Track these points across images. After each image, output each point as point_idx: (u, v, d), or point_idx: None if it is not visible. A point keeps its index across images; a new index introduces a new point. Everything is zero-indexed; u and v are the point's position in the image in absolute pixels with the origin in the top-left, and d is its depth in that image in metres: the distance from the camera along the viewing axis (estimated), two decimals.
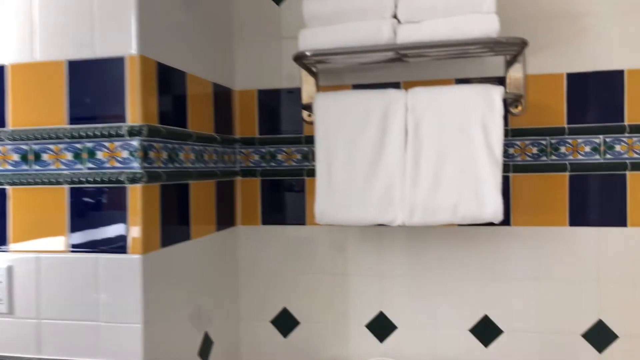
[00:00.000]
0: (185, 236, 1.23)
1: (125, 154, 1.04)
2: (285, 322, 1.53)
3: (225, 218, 1.46)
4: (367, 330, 1.48)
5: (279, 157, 1.52)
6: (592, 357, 1.37)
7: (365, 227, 1.47)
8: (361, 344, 1.48)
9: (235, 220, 1.53)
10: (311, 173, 1.48)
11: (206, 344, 1.32)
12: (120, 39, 1.04)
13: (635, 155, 1.34)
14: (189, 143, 1.24)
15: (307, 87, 1.50)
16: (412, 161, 1.26)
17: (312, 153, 1.46)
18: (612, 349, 1.36)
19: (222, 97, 1.47)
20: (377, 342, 1.47)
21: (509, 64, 1.39)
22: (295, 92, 1.51)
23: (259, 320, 1.54)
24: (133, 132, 1.03)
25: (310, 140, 1.46)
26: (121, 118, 1.04)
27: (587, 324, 1.37)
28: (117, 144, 1.05)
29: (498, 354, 1.41)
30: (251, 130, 1.54)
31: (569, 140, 1.37)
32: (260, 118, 1.54)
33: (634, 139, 1.34)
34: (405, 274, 1.46)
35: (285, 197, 1.53)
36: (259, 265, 1.54)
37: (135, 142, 1.04)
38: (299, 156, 1.51)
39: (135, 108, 1.04)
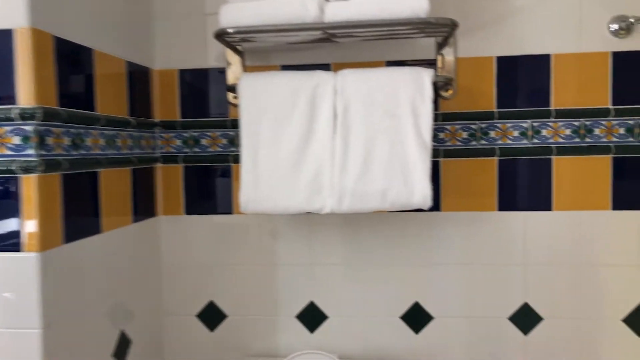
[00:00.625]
0: (94, 229, 1.11)
1: (16, 140, 0.92)
2: (211, 316, 1.45)
3: (143, 208, 1.35)
4: (297, 321, 1.43)
5: (203, 142, 1.42)
6: (518, 339, 1.39)
7: (295, 215, 1.41)
8: (291, 336, 1.43)
9: (155, 211, 1.43)
10: (238, 159, 1.39)
11: (122, 344, 1.22)
12: (7, 9, 0.91)
13: (561, 140, 1.34)
14: (97, 127, 1.12)
15: (233, 67, 1.41)
16: (341, 146, 1.20)
17: (239, 138, 1.38)
18: (537, 330, 1.38)
19: (139, 77, 1.34)
20: (308, 333, 1.43)
21: (440, 46, 1.36)
22: (223, 73, 1.42)
23: (184, 315, 1.45)
24: (25, 116, 0.91)
25: (236, 124, 1.37)
26: (11, 100, 0.92)
27: (514, 307, 1.38)
28: (6, 129, 0.92)
29: (428, 341, 1.40)
30: (172, 113, 1.43)
31: (499, 125, 1.36)
32: (183, 100, 1.43)
33: (559, 123, 1.34)
34: (336, 262, 1.41)
35: (211, 185, 1.44)
36: (183, 257, 1.45)
37: (29, 127, 0.92)
38: (224, 141, 1.42)
39: (27, 88, 0.91)
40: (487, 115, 1.36)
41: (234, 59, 1.40)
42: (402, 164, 1.19)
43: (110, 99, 1.19)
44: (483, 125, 1.36)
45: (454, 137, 1.37)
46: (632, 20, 1.29)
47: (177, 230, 1.44)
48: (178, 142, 1.43)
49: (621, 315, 1.36)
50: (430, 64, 1.35)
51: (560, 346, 1.37)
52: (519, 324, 1.38)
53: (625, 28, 1.31)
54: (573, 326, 1.36)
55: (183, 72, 1.43)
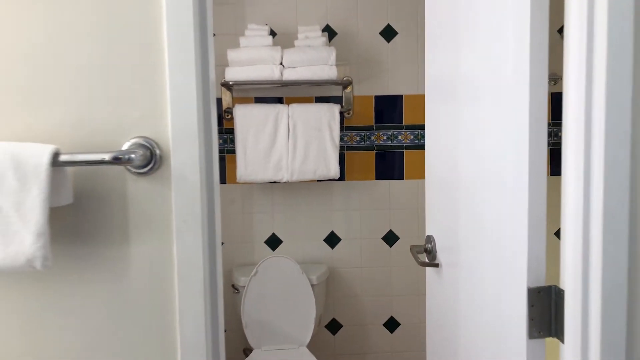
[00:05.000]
0: None
1: None
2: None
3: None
4: (265, 245, 2.41)
5: None
6: (386, 250, 2.45)
7: (265, 183, 2.37)
8: (261, 253, 2.41)
9: None
10: (231, 151, 2.33)
11: None
12: None
13: (408, 141, 2.40)
14: None
15: (225, 97, 2.33)
16: (292, 146, 2.19)
17: (230, 139, 2.31)
18: (396, 245, 2.45)
19: None
20: (271, 251, 2.41)
21: (344, 88, 2.36)
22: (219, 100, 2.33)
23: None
24: None
25: (230, 131, 2.30)
26: None
27: (384, 232, 2.45)
28: None
29: (339, 253, 2.44)
30: None
31: (376, 133, 2.40)
32: None
33: (407, 132, 2.40)
34: (286, 210, 2.40)
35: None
36: None
37: None
38: (220, 140, 2.35)
39: None
40: (369, 128, 2.39)
41: (227, 93, 2.32)
42: (324, 155, 2.19)
43: None
44: (367, 133, 2.40)
45: (352, 139, 2.39)
46: None
47: None
48: None
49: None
50: (338, 99, 2.36)
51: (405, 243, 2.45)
52: (387, 241, 2.45)
53: None
54: (415, 238, 2.45)
55: None
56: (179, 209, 0.85)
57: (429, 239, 1.48)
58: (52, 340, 0.86)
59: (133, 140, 0.83)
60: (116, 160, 0.79)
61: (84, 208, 0.84)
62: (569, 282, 0.89)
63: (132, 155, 0.80)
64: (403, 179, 2.41)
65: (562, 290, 0.91)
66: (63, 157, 0.78)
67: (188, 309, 0.86)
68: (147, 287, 0.86)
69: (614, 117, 0.81)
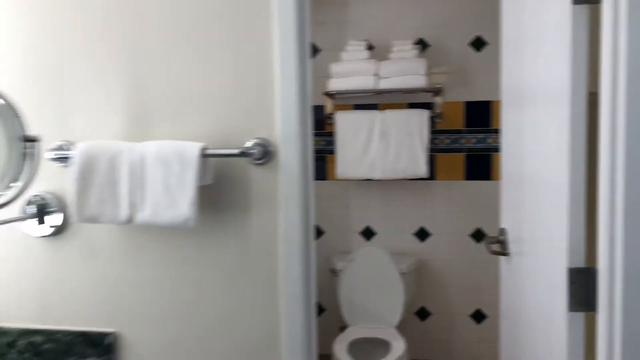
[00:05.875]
0: None
1: None
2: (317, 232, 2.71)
3: None
4: (360, 236, 2.69)
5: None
6: (473, 247, 2.59)
7: (361, 181, 2.65)
8: (356, 242, 2.69)
9: None
10: (331, 152, 2.64)
11: None
12: None
13: (496, 145, 2.53)
14: None
15: (328, 105, 2.65)
16: (384, 147, 2.44)
17: (331, 141, 2.62)
18: (483, 242, 2.58)
19: None
20: (366, 241, 2.68)
21: (435, 95, 2.56)
22: (321, 107, 2.66)
23: None
24: None
25: (330, 134, 2.62)
26: None
27: (472, 229, 2.59)
28: None
29: (429, 247, 2.63)
30: None
31: (465, 136, 2.56)
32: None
33: (495, 136, 2.53)
34: (380, 205, 2.65)
35: (320, 164, 2.69)
36: None
37: None
38: (323, 142, 2.67)
39: None
40: (459, 131, 2.56)
41: (329, 100, 2.64)
42: (413, 156, 2.41)
43: None
44: (457, 136, 2.56)
45: (442, 142, 2.58)
46: None
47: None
48: None
49: None
50: (428, 105, 2.56)
51: None
52: (474, 238, 2.59)
53: None
54: None
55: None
56: (283, 190, 1.16)
57: (502, 231, 1.65)
58: (195, 276, 1.23)
59: (254, 141, 1.15)
60: (242, 154, 1.12)
61: (220, 187, 1.19)
62: (601, 264, 1.05)
63: (254, 151, 1.13)
64: (490, 179, 2.55)
65: (596, 270, 1.07)
66: (208, 151, 1.12)
67: (288, 261, 1.17)
68: (261, 244, 1.18)
69: (634, 126, 0.96)
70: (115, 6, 1.21)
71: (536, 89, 1.30)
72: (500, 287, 1.72)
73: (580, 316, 1.12)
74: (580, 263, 1.10)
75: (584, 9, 1.06)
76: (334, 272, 2.55)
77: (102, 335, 1.28)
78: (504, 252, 1.61)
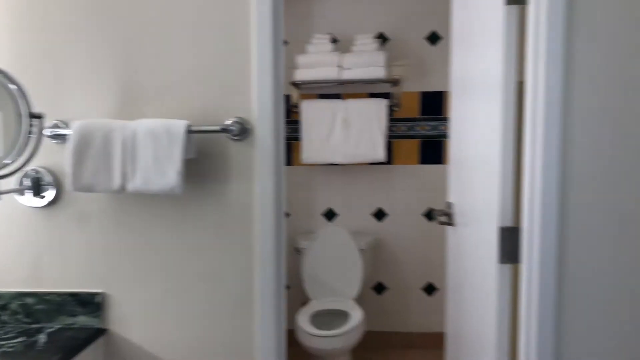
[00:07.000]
0: None
1: None
2: None
3: None
4: (323, 217, 2.87)
5: None
6: (426, 226, 2.82)
7: (325, 165, 2.83)
8: (319, 223, 2.87)
9: None
10: (296, 139, 2.81)
11: None
12: None
13: (447, 132, 2.76)
14: None
15: (294, 94, 2.81)
16: (346, 134, 2.63)
17: (297, 129, 2.79)
18: (435, 221, 2.82)
19: None
20: (328, 222, 2.87)
21: (394, 85, 2.77)
22: (288, 97, 2.82)
23: None
24: None
25: (297, 122, 2.79)
26: None
27: (424, 209, 2.82)
28: None
29: (385, 226, 2.85)
30: None
31: (420, 124, 2.78)
32: None
33: (446, 124, 2.76)
34: (341, 188, 2.84)
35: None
36: None
37: None
38: (289, 130, 2.83)
39: None
40: (415, 119, 2.77)
41: (294, 90, 2.80)
42: (372, 142, 2.61)
43: None
44: (413, 124, 2.78)
45: (399, 129, 2.79)
46: None
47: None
48: None
49: None
50: (387, 94, 2.76)
51: None
52: (427, 217, 2.83)
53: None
54: None
55: None
56: (258, 162, 1.33)
57: (449, 205, 1.87)
58: (179, 240, 1.38)
59: (233, 119, 1.31)
60: (223, 131, 1.28)
61: (202, 160, 1.34)
62: (525, 223, 1.27)
63: (233, 128, 1.29)
64: (441, 163, 2.78)
65: (520, 228, 1.29)
66: (193, 128, 1.27)
67: (262, 224, 1.34)
68: (239, 209, 1.34)
69: (551, 112, 1.18)
70: None
71: (476, 79, 1.52)
72: (447, 257, 1.94)
73: (508, 267, 1.34)
74: (509, 223, 1.32)
75: (513, 9, 1.27)
76: (298, 251, 2.73)
77: (92, 295, 1.41)
78: (450, 223, 1.83)
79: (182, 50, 1.32)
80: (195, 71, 1.32)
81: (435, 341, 2.81)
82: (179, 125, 1.25)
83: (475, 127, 1.54)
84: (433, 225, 2.82)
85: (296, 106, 2.75)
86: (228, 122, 1.31)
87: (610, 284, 1.20)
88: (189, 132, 1.27)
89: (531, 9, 1.21)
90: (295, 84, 2.66)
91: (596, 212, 1.19)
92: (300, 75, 2.60)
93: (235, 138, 1.32)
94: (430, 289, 2.87)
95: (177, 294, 1.39)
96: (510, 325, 1.35)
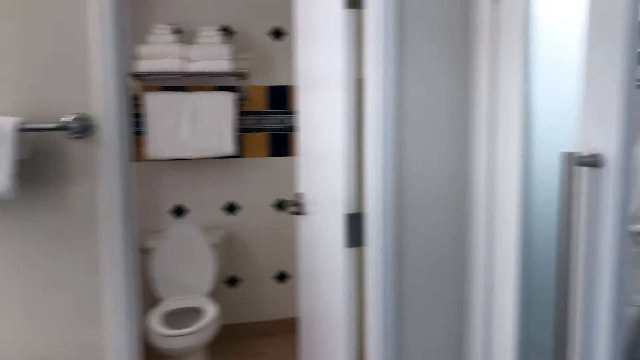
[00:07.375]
0: None
1: None
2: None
3: None
4: (171, 214, 2.78)
5: None
6: (276, 216, 2.92)
7: (172, 160, 2.74)
8: (168, 221, 2.78)
9: None
10: (140, 133, 2.67)
11: None
12: None
13: (293, 125, 2.89)
14: None
15: (136, 86, 2.67)
16: (193, 128, 2.58)
17: (140, 122, 2.65)
18: (285, 210, 2.93)
19: None
20: (177, 219, 2.79)
21: (239, 78, 2.78)
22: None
23: None
24: None
25: (139, 114, 2.64)
26: None
27: (274, 199, 2.91)
28: None
29: (238, 219, 2.87)
30: None
31: (268, 118, 2.85)
32: None
33: (292, 117, 2.88)
34: (191, 183, 2.79)
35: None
36: None
37: None
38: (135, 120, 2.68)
39: None
40: (263, 113, 2.83)
41: (136, 82, 2.65)
42: (220, 136, 2.61)
43: None
44: (261, 118, 2.84)
45: (248, 123, 2.82)
46: None
47: None
48: None
49: None
50: (234, 88, 2.77)
51: None
52: (277, 207, 2.92)
53: None
54: None
55: None
56: (104, 162, 1.25)
57: (299, 195, 1.96)
58: (18, 248, 1.26)
59: (74, 116, 1.21)
60: (60, 129, 1.18)
61: (39, 160, 1.21)
62: (368, 209, 1.41)
63: (73, 125, 1.19)
64: (288, 155, 2.89)
65: (363, 214, 1.42)
66: (26, 126, 1.15)
67: (109, 226, 1.28)
68: (82, 213, 1.25)
69: (389, 105, 1.33)
70: None
71: (321, 76, 1.62)
72: (299, 245, 2.05)
73: (353, 251, 1.47)
74: (353, 209, 1.45)
75: (352, 12, 1.39)
76: (145, 252, 2.62)
77: None
78: (301, 212, 1.93)
79: (16, 42, 1.18)
80: (32, 65, 1.19)
81: (288, 326, 2.93)
82: (7, 123, 1.12)
83: (321, 121, 1.65)
84: (283, 215, 2.93)
85: (137, 98, 2.61)
86: (68, 119, 1.21)
87: (434, 253, 1.41)
88: (22, 130, 1.14)
89: (368, 12, 1.34)
90: (137, 75, 2.53)
91: (422, 195, 1.38)
92: (142, 66, 2.47)
93: (77, 136, 1.22)
94: (282, 277, 2.98)
95: (14, 309, 1.25)
96: (357, 303, 1.49)
